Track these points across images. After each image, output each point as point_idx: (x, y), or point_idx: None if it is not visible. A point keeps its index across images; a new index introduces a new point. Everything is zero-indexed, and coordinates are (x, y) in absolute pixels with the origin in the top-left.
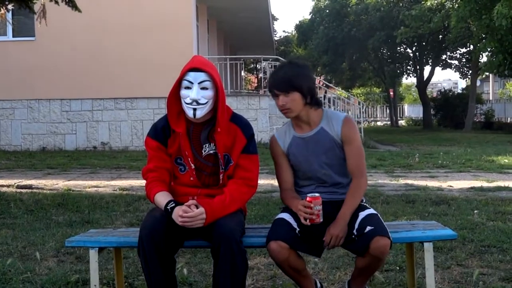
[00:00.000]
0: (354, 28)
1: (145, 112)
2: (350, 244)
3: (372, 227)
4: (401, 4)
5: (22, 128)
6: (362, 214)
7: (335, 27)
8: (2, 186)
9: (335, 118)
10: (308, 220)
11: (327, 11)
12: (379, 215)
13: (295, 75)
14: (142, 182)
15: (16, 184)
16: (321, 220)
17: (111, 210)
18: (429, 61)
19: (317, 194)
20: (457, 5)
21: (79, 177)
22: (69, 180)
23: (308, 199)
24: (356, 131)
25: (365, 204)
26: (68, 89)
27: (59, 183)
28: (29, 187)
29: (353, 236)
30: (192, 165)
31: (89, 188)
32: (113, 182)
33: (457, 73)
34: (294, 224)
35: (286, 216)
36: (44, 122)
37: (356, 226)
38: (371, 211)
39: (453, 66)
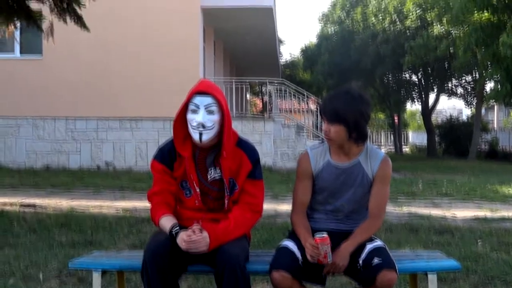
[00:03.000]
0: (361, 56)
1: (150, 133)
2: (355, 274)
3: (380, 260)
4: (407, 33)
5: (27, 146)
6: (369, 246)
7: (341, 54)
8: (6, 204)
9: (374, 155)
10: (315, 259)
11: (334, 38)
12: (387, 247)
13: (344, 108)
14: (146, 204)
15: (19, 203)
16: (329, 261)
17: (114, 231)
18: (434, 88)
19: (325, 235)
20: (462, 34)
21: (83, 197)
22: (72, 200)
23: (316, 239)
24: (390, 173)
25: (373, 235)
26: (73, 108)
27: (62, 203)
28: (33, 206)
29: (358, 267)
30: (197, 189)
31: (92, 208)
32: (116, 203)
33: (462, 101)
34: (298, 254)
35: (290, 244)
36: (48, 141)
37: (363, 256)
38: (379, 243)
39: (458, 94)
